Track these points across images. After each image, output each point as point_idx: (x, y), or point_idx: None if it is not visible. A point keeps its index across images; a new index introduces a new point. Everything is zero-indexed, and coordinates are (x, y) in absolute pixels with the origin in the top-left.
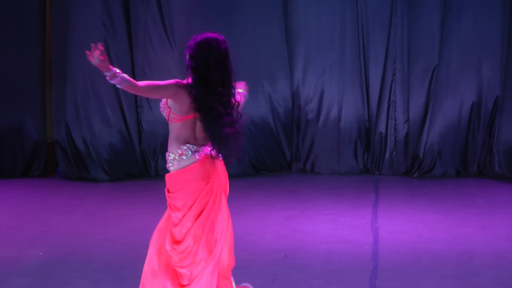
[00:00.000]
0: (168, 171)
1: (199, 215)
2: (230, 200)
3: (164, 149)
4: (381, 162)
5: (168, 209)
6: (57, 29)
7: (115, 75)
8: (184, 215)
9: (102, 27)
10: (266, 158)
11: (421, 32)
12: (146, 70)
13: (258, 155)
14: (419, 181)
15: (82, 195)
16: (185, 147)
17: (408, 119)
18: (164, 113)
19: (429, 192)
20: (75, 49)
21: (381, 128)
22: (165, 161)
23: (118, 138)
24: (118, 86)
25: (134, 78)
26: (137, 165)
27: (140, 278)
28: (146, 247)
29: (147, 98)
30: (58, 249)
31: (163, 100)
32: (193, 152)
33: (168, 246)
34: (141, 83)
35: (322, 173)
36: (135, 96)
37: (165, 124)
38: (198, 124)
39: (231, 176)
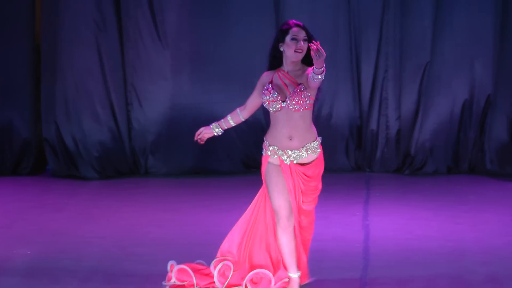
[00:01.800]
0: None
1: None
2: (221, 197)
3: (154, 148)
4: (372, 159)
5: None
6: (47, 26)
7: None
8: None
9: (93, 24)
10: (257, 155)
11: (413, 29)
12: (137, 67)
13: (249, 152)
14: (410, 178)
15: (71, 193)
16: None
17: (399, 116)
18: (305, 99)
19: (421, 189)
20: (66, 47)
21: (373, 125)
22: (308, 149)
23: (108, 136)
24: (320, 79)
25: (124, 76)
26: (127, 163)
27: (130, 276)
28: (136, 245)
29: (137, 95)
30: (47, 247)
31: (305, 89)
32: None
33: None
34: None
35: None
36: (125, 93)
37: (156, 123)
38: None
39: (221, 173)
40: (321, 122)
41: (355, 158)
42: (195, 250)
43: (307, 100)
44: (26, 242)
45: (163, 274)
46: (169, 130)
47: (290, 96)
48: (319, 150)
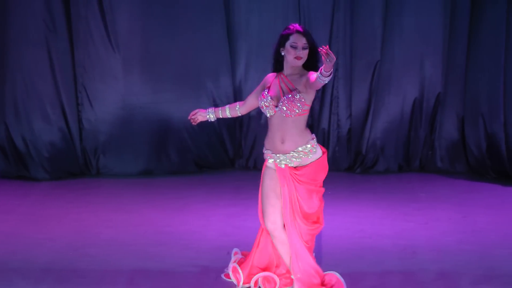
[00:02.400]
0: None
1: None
2: (173, 197)
3: (106, 148)
4: None
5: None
6: None
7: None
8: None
9: (42, 24)
10: (209, 155)
11: (363, 28)
12: (87, 68)
13: (200, 152)
14: (362, 177)
15: (22, 194)
16: (315, 138)
17: (350, 114)
18: (297, 106)
19: (372, 188)
20: (15, 47)
21: (324, 124)
22: (293, 154)
23: (59, 136)
24: (326, 81)
25: (74, 76)
26: (78, 164)
27: (82, 277)
28: (88, 246)
29: (87, 95)
30: None
31: (298, 94)
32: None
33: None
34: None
35: None
36: (76, 93)
37: (107, 123)
38: None
39: (172, 173)
40: None
41: None
42: (147, 250)
43: (300, 106)
44: None
45: (116, 275)
46: (120, 130)
47: (282, 102)
48: (316, 152)
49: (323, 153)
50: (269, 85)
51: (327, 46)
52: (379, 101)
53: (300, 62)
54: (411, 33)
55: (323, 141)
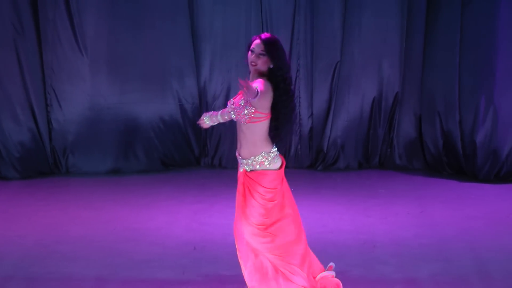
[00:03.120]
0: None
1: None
2: (140, 195)
3: (74, 147)
4: (286, 155)
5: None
6: None
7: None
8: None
9: (10, 26)
10: (175, 153)
11: (323, 29)
12: (56, 69)
13: (167, 151)
14: (323, 174)
15: None
16: (275, 148)
17: (312, 114)
18: (243, 113)
19: (333, 184)
20: None
21: None
22: (245, 162)
23: (28, 136)
24: (255, 99)
25: (43, 77)
26: (47, 163)
27: (51, 273)
28: (57, 243)
29: (56, 96)
30: None
31: (243, 101)
32: (278, 152)
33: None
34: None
35: (230, 168)
36: (45, 94)
37: (76, 123)
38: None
39: (139, 172)
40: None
41: None
42: (116, 246)
43: (247, 113)
44: None
45: (84, 271)
46: (88, 130)
47: (234, 107)
48: (269, 165)
49: (281, 166)
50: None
51: (247, 80)
52: (339, 100)
53: (253, 69)
54: (369, 34)
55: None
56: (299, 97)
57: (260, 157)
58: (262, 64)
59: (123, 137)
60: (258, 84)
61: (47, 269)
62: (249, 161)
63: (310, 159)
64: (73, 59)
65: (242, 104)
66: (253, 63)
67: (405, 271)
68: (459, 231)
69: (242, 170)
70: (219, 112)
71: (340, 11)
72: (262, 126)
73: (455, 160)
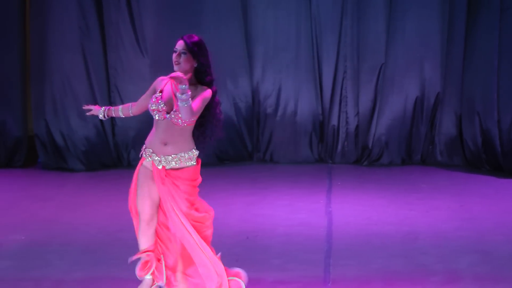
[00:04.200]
0: (181, 165)
1: None
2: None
3: (136, 142)
4: (334, 152)
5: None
6: (36, 31)
7: (186, 92)
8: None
9: (77, 29)
10: (229, 149)
11: (369, 33)
12: (119, 70)
13: (221, 146)
14: (368, 169)
15: (60, 184)
16: (196, 149)
17: (358, 112)
18: (182, 119)
19: (378, 179)
20: (53, 50)
21: (334, 121)
22: (180, 157)
23: (94, 131)
24: (183, 104)
25: (107, 77)
26: (111, 156)
27: (114, 259)
28: (119, 231)
29: (119, 95)
30: (39, 233)
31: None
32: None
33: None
34: (194, 107)
35: (280, 162)
36: (109, 93)
37: (137, 119)
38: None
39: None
40: (287, 118)
41: (318, 151)
42: None
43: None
44: (19, 228)
45: None
46: (149, 126)
47: (175, 111)
48: (194, 163)
49: (198, 162)
50: (161, 88)
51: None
52: (383, 100)
53: (177, 67)
54: (412, 37)
55: (333, 137)
56: (346, 97)
57: (190, 153)
58: (185, 62)
59: None
60: (194, 103)
61: (110, 254)
62: (176, 157)
63: (356, 155)
64: (135, 60)
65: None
66: (176, 62)
67: (445, 261)
68: (497, 225)
69: (160, 167)
70: (120, 106)
71: (384, 15)
72: (193, 126)
73: (493, 157)
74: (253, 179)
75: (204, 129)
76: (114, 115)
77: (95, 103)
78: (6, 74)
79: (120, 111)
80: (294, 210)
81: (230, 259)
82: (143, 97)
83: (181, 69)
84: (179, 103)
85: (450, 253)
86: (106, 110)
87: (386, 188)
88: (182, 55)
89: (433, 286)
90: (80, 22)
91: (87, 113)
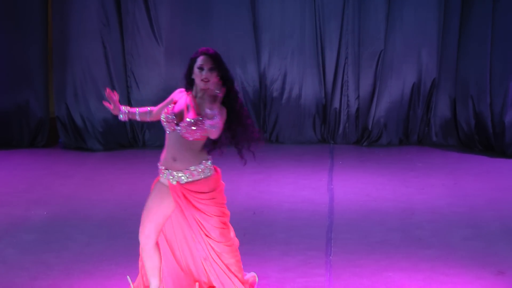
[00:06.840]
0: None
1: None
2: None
3: (150, 124)
4: (335, 133)
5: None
6: (57, 19)
7: (215, 115)
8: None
9: (97, 18)
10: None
11: (369, 22)
12: (135, 56)
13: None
14: (368, 149)
15: (79, 162)
16: (210, 159)
17: (358, 96)
18: (196, 135)
19: (377, 158)
20: (74, 38)
21: (336, 104)
22: (187, 171)
23: (111, 114)
24: (212, 128)
25: (124, 63)
26: (127, 137)
27: (130, 233)
28: (135, 207)
29: (135, 79)
30: (60, 209)
31: (200, 123)
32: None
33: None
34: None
35: (285, 143)
36: (125, 77)
37: (151, 102)
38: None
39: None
40: (292, 102)
41: (321, 132)
42: None
43: (200, 133)
44: (42, 204)
45: None
46: None
47: (183, 124)
48: (209, 174)
49: (216, 172)
50: (176, 100)
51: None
52: (382, 84)
53: (208, 85)
54: (410, 25)
55: (335, 119)
56: (347, 81)
57: (202, 166)
58: (213, 79)
59: None
60: (218, 119)
61: (126, 228)
62: (186, 173)
63: (356, 136)
64: (150, 47)
65: (194, 128)
66: (205, 79)
67: (439, 235)
68: (488, 201)
69: (175, 183)
70: (138, 110)
71: (384, 5)
72: (204, 141)
73: (486, 138)
74: (259, 158)
75: (237, 141)
76: (131, 118)
77: (112, 87)
78: (29, 59)
79: (137, 115)
80: (298, 187)
81: (238, 234)
82: (160, 105)
83: (211, 85)
84: (207, 127)
85: (444, 227)
86: (126, 112)
87: (384, 167)
88: (211, 73)
89: (428, 258)
90: (99, 11)
91: (110, 108)
